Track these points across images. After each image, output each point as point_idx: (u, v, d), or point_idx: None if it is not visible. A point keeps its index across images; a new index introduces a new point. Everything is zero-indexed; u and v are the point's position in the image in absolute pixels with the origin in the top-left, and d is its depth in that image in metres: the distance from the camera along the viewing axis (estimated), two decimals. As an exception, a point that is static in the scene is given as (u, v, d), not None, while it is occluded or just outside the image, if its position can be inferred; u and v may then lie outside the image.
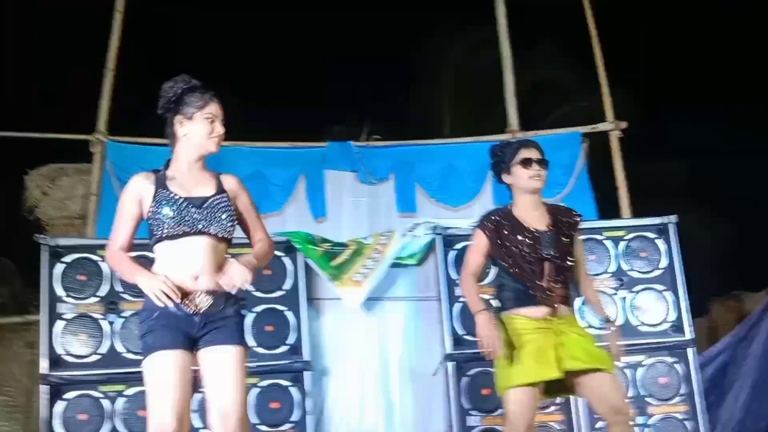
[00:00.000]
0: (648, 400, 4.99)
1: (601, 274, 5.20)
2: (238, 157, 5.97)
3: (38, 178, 6.21)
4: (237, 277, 2.94)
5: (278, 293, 5.00)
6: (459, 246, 5.17)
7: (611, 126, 6.35)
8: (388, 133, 6.64)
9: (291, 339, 4.91)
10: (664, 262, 5.20)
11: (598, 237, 5.25)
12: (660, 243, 5.23)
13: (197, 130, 3.07)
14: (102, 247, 4.84)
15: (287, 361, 4.88)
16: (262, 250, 3.15)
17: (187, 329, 2.93)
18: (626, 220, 5.64)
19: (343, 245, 5.41)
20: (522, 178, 3.58)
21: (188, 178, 3.10)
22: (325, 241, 5.39)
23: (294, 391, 4.83)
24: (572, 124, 6.64)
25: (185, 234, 2.96)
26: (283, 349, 4.90)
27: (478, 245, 3.64)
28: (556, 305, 3.45)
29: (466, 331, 5.01)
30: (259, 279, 4.97)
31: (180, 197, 3.01)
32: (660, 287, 5.16)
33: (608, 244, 5.25)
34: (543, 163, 3.60)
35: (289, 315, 4.95)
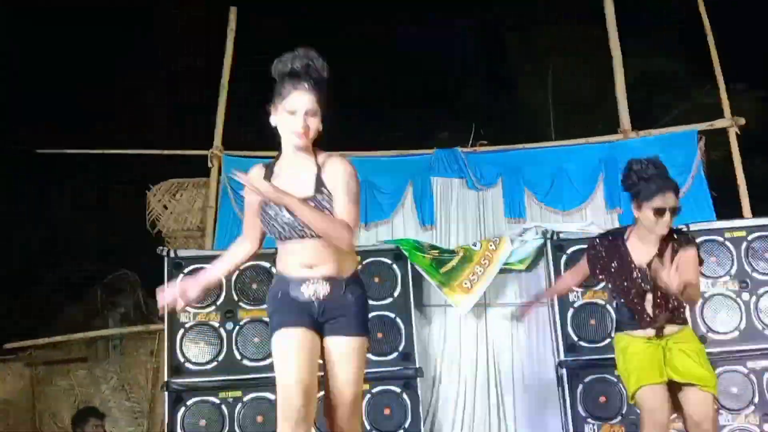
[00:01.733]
0: (773, 408, 4.76)
1: (722, 276, 5.02)
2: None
3: (159, 192, 6.50)
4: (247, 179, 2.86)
5: (388, 300, 5.06)
6: (569, 250, 5.11)
7: (729, 123, 6.08)
8: (495, 138, 6.59)
9: (401, 346, 4.96)
10: (785, 265, 4.95)
11: (719, 238, 5.07)
12: (779, 245, 4.99)
13: (281, 123, 2.93)
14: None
15: (398, 368, 4.93)
16: (327, 218, 2.86)
17: (310, 312, 2.91)
18: (747, 220, 5.39)
19: (452, 252, 5.42)
20: (650, 221, 3.49)
21: (289, 174, 2.94)
22: (433, 248, 5.41)
23: (406, 397, 4.88)
24: (689, 122, 6.39)
25: (291, 238, 2.90)
26: (393, 355, 4.95)
27: (578, 270, 3.87)
28: (662, 327, 3.54)
29: (578, 337, 4.93)
30: (370, 286, 5.07)
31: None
32: (781, 291, 4.91)
33: (729, 245, 5.06)
34: (676, 211, 3.47)
35: (399, 322, 5.00)
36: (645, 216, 3.49)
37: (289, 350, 2.86)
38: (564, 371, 4.89)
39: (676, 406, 3.54)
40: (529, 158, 6.17)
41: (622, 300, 3.60)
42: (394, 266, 5.12)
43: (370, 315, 4.90)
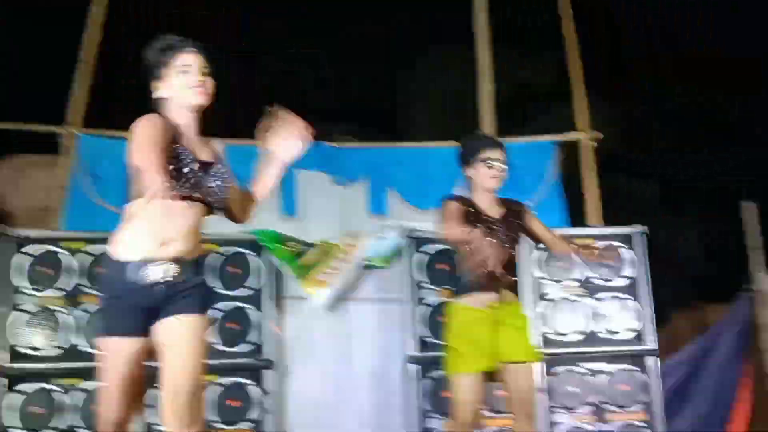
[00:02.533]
0: (608, 407, 5.04)
1: (567, 281, 5.24)
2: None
3: (6, 169, 6.15)
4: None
5: (243, 291, 4.99)
6: (427, 248, 5.19)
7: (583, 135, 6.38)
8: (363, 135, 6.64)
9: (254, 337, 4.91)
10: (629, 272, 5.24)
11: (558, 244, 5.28)
12: (626, 252, 5.27)
13: (173, 87, 2.82)
14: (68, 239, 4.85)
15: (249, 360, 4.88)
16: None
17: (148, 303, 2.71)
18: (594, 229, 5.67)
19: (311, 245, 5.41)
20: (482, 176, 3.75)
21: (188, 140, 2.85)
22: (293, 240, 5.38)
23: (254, 390, 4.83)
24: (551, 132, 6.66)
25: (182, 198, 2.74)
26: (245, 347, 4.89)
27: (454, 212, 3.70)
28: (502, 291, 3.70)
29: (430, 333, 5.03)
30: (225, 276, 4.99)
31: (197, 158, 2.80)
32: (624, 296, 5.20)
33: (576, 252, 5.28)
34: (504, 164, 3.78)
35: (253, 313, 4.95)
36: (478, 172, 3.77)
37: (117, 367, 2.70)
38: (413, 367, 4.98)
39: (500, 380, 3.71)
40: (395, 157, 6.25)
41: (469, 261, 3.59)
42: (252, 256, 5.06)
43: (224, 305, 4.90)
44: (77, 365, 4.66)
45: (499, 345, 3.63)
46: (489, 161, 3.76)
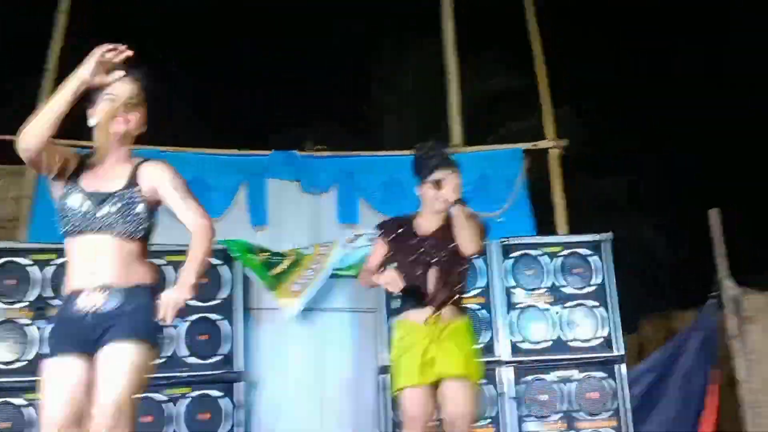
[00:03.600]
0: (577, 414, 5.08)
1: (536, 289, 5.28)
2: (178, 163, 5.88)
3: (-32, 179, 6.03)
4: (166, 313, 2.70)
5: (214, 302, 4.96)
6: (397, 258, 5.20)
7: (551, 144, 6.44)
8: (334, 144, 6.63)
9: (224, 349, 4.87)
10: (597, 279, 5.29)
11: (535, 252, 5.33)
12: (594, 260, 5.32)
13: (99, 113, 2.83)
14: (34, 251, 4.78)
15: (219, 371, 4.84)
16: (196, 247, 2.86)
17: (84, 333, 2.71)
18: (562, 237, 5.73)
19: (282, 255, 5.40)
20: (430, 198, 3.72)
21: (104, 168, 2.88)
22: (263, 250, 5.36)
23: (224, 402, 4.79)
24: (519, 140, 6.70)
25: (87, 232, 2.78)
26: (215, 359, 4.85)
27: (376, 250, 3.86)
28: (440, 308, 3.62)
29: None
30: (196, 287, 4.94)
31: (86, 191, 2.82)
32: (592, 303, 5.25)
33: (544, 259, 5.33)
34: (458, 185, 3.68)
35: (224, 324, 4.92)
36: (426, 193, 3.72)
37: (55, 385, 2.69)
38: (386, 377, 4.98)
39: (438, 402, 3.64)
40: (364, 165, 6.25)
41: (407, 278, 3.60)
42: (222, 267, 5.03)
43: (195, 316, 4.86)
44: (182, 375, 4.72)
45: (437, 360, 3.57)
46: (437, 182, 3.68)
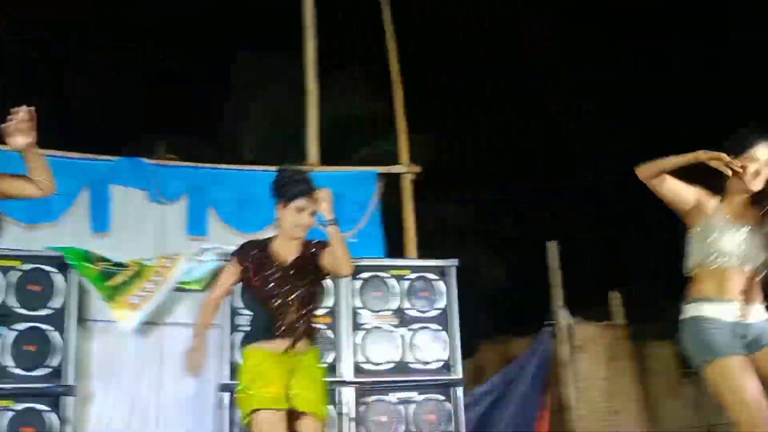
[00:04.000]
0: (417, 436, 5.14)
1: (384, 310, 5.32)
2: (12, 163, 5.55)
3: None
4: None
5: (45, 311, 4.68)
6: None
7: (405, 169, 6.56)
8: (188, 154, 6.46)
9: (54, 361, 4.60)
10: (441, 303, 5.40)
11: (383, 275, 5.38)
12: (440, 284, 5.44)
13: None
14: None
15: (47, 385, 4.56)
16: None
17: None
18: (411, 260, 5.84)
19: (123, 266, 5.16)
20: (290, 223, 3.67)
21: None
22: (103, 259, 5.11)
23: (50, 417, 4.51)
24: (377, 163, 6.79)
25: None
26: (43, 371, 4.58)
27: (229, 272, 3.78)
28: (296, 340, 3.58)
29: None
30: (26, 295, 4.66)
31: None
32: (436, 327, 5.35)
33: (392, 282, 5.38)
34: (313, 214, 3.67)
35: (54, 335, 4.64)
36: (285, 217, 3.67)
37: None
38: (226, 395, 4.86)
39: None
40: (217, 178, 6.11)
41: (263, 307, 3.60)
42: (57, 275, 4.77)
43: (23, 325, 4.56)
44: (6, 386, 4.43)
45: (294, 392, 3.53)
46: (299, 209, 3.66)
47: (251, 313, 3.85)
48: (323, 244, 3.73)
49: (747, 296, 3.27)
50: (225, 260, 5.11)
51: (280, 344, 3.55)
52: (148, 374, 5.23)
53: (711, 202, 3.39)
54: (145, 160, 5.91)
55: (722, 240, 3.29)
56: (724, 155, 3.25)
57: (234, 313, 4.98)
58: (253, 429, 3.47)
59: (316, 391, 3.61)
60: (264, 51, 11.19)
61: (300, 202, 3.64)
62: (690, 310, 3.31)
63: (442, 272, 5.47)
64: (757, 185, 3.31)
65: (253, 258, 3.69)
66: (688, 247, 3.39)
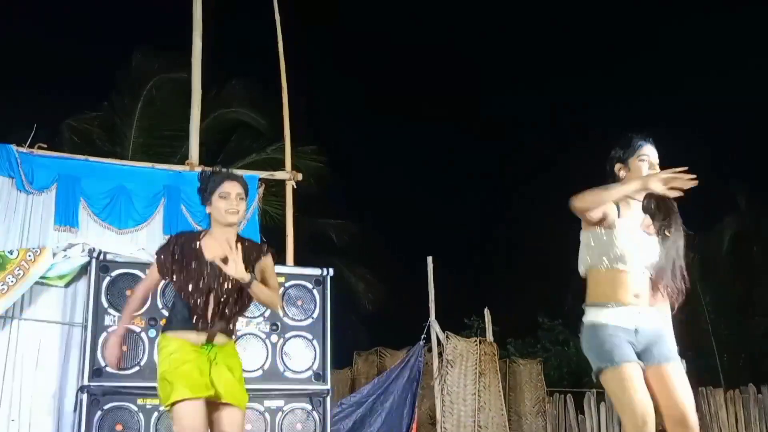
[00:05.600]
0: (282, 445, 5.08)
1: (257, 317, 5.25)
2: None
3: None
4: None
5: None
6: (114, 272, 4.95)
7: (288, 176, 6.51)
8: (61, 145, 6.20)
9: None
10: (316, 312, 5.38)
11: (258, 280, 5.30)
12: (316, 293, 5.41)
13: None
14: None
15: None
16: None
17: None
18: (288, 268, 5.77)
19: (-16, 255, 4.89)
20: (218, 210, 3.57)
21: None
22: (-41, 247, 4.83)
23: None
24: (261, 170, 6.71)
25: None
26: None
27: (152, 268, 3.63)
28: (214, 334, 3.49)
29: (107, 363, 4.74)
30: None
31: None
32: (310, 336, 5.32)
33: (267, 288, 5.32)
34: (242, 198, 3.60)
35: None
36: (215, 207, 3.57)
37: None
38: (84, 396, 4.66)
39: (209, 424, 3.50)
40: (91, 170, 5.88)
41: (183, 299, 3.51)
42: None
43: None
44: None
45: (215, 382, 3.44)
46: (225, 194, 3.56)
47: (174, 301, 3.63)
48: (267, 251, 3.66)
49: (642, 300, 3.26)
50: (92, 257, 4.94)
51: (198, 337, 3.46)
52: (3, 371, 4.95)
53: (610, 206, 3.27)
54: (14, 148, 5.61)
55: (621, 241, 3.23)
56: (677, 169, 3.14)
57: (101, 311, 4.80)
58: (174, 417, 3.37)
59: (236, 382, 3.52)
60: (152, 48, 10.93)
61: (223, 188, 3.56)
62: (589, 315, 3.24)
63: (318, 281, 5.45)
64: (655, 185, 3.17)
65: (178, 250, 3.56)
66: (584, 250, 3.31)
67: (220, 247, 3.53)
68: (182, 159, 6.81)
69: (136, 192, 5.93)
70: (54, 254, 5.09)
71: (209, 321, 3.48)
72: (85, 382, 4.67)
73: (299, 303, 5.39)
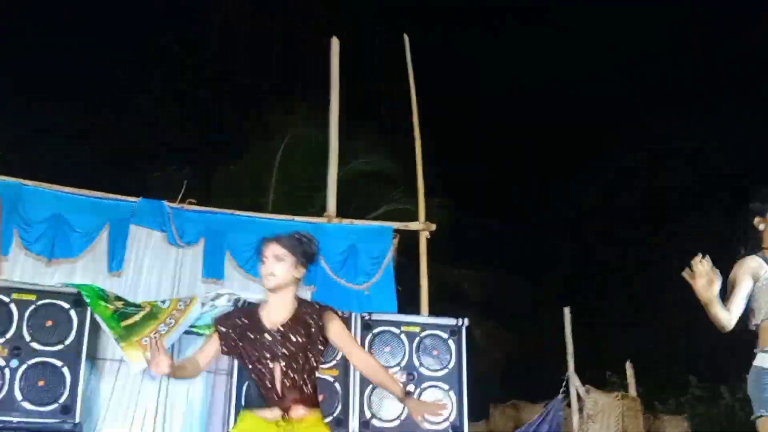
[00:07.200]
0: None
1: (393, 366, 5.29)
2: (38, 199, 5.67)
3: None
4: None
5: (57, 347, 4.69)
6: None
7: (421, 226, 6.58)
8: (208, 200, 6.54)
9: (63, 397, 4.59)
10: (452, 363, 5.36)
11: (395, 330, 5.36)
12: (451, 343, 5.40)
13: None
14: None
15: (56, 420, 4.54)
16: None
17: None
18: (423, 317, 5.81)
19: (138, 306, 5.18)
20: (261, 275, 3.45)
21: None
22: (118, 299, 5.15)
23: (60, 453, 4.50)
24: (397, 220, 6.82)
25: None
26: (53, 407, 4.56)
27: (206, 344, 3.52)
28: (290, 407, 3.32)
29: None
30: (39, 329, 4.68)
31: None
32: (446, 386, 5.30)
33: (404, 338, 5.36)
34: (280, 258, 3.38)
35: (66, 371, 4.64)
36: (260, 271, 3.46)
37: None
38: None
39: None
40: (235, 224, 6.17)
41: (252, 375, 3.38)
42: (72, 311, 4.79)
43: (34, 360, 4.58)
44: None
45: None
46: (262, 258, 3.40)
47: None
48: (326, 313, 3.47)
49: None
50: (238, 306, 5.14)
51: (272, 413, 3.30)
52: (155, 416, 5.19)
53: (755, 262, 3.49)
54: (166, 203, 5.98)
55: None
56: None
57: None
58: None
59: None
60: (288, 104, 11.40)
61: (263, 249, 3.40)
62: (757, 359, 3.34)
63: (453, 331, 5.44)
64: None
65: (237, 323, 3.42)
66: (755, 302, 3.43)
67: (279, 314, 3.41)
68: (320, 210, 7.01)
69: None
70: (203, 304, 5.32)
71: (279, 393, 3.32)
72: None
73: (435, 353, 5.39)
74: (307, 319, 3.41)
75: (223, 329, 3.40)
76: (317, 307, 3.48)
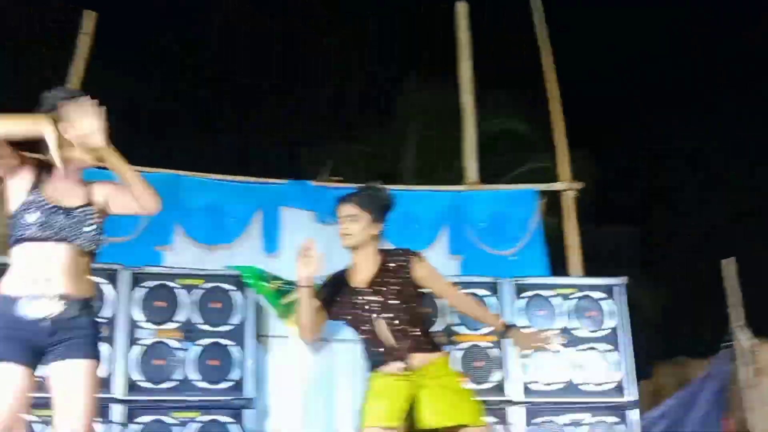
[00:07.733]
0: (589, 459, 4.98)
1: (547, 330, 5.21)
2: (195, 188, 5.94)
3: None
4: None
5: (226, 327, 4.93)
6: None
7: (566, 186, 6.42)
8: (350, 176, 6.63)
9: (235, 375, 4.84)
10: (610, 323, 5.23)
11: (547, 293, 5.29)
12: (607, 304, 5.27)
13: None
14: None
15: (229, 397, 4.80)
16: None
17: (35, 337, 2.77)
18: (575, 279, 5.69)
19: (294, 284, 5.35)
20: (339, 235, 3.53)
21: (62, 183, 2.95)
22: (276, 278, 5.34)
23: (234, 429, 4.75)
24: (535, 181, 6.69)
25: (44, 240, 2.82)
26: (225, 384, 4.82)
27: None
28: (408, 357, 3.34)
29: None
30: (208, 312, 4.94)
31: (50, 204, 2.87)
32: (605, 347, 5.19)
33: (556, 301, 5.28)
34: (353, 218, 3.49)
35: (235, 350, 4.89)
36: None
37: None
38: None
39: None
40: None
41: (363, 336, 3.43)
42: (235, 293, 5.02)
43: (206, 341, 4.84)
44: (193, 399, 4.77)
45: (420, 410, 3.28)
46: (339, 219, 3.54)
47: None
48: (411, 258, 3.49)
49: None
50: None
51: (393, 367, 3.35)
52: (320, 388, 5.38)
53: None
54: (311, 183, 6.13)
55: None
56: None
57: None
58: None
59: (446, 400, 3.30)
60: (422, 72, 11.39)
61: (337, 210, 3.57)
62: None
63: (609, 291, 5.30)
64: None
65: (331, 290, 3.54)
66: None
67: (365, 271, 3.46)
68: (457, 178, 6.96)
69: (421, 215, 6.18)
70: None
71: (393, 347, 3.34)
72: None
73: (591, 314, 5.27)
74: (395, 267, 3.44)
75: (323, 298, 3.50)
76: (401, 253, 3.52)
